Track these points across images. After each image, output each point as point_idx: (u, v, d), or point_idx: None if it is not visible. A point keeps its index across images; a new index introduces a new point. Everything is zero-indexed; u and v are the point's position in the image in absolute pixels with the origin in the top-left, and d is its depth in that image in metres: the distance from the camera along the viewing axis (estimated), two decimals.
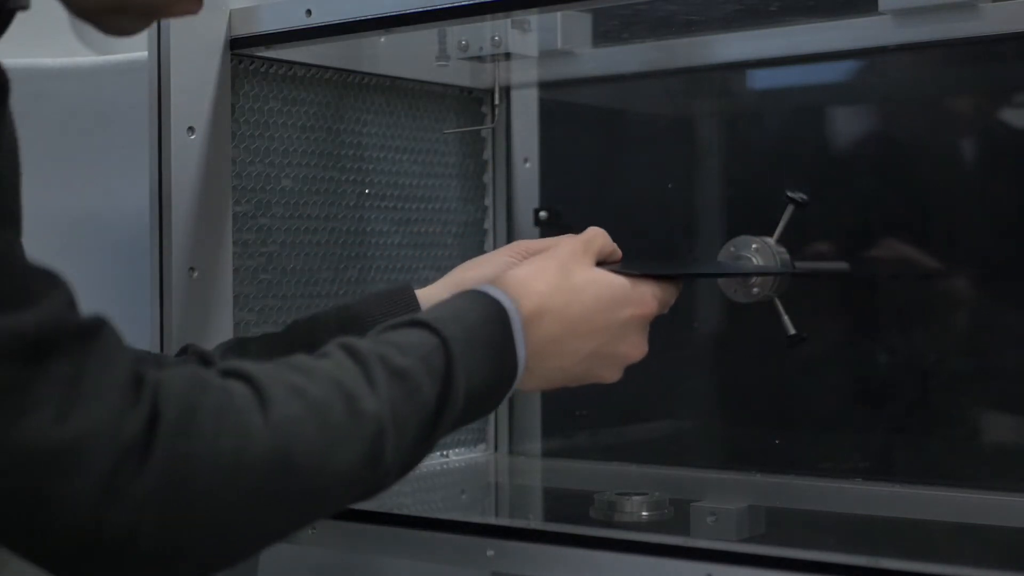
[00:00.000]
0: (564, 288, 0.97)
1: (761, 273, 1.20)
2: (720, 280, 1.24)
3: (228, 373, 0.80)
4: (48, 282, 0.76)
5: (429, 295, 1.10)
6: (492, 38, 1.40)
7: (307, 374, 0.82)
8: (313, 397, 0.80)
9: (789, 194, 1.23)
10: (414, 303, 1.09)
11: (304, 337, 1.06)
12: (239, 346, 1.09)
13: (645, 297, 1.01)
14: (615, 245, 1.06)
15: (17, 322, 0.72)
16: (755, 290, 1.21)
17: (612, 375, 1.01)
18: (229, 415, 0.76)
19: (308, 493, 0.80)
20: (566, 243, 1.02)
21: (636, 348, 1.01)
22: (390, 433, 0.83)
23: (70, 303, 0.76)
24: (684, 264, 1.19)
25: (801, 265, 1.28)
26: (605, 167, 1.57)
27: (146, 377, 0.75)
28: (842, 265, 1.34)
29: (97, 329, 0.76)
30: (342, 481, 0.81)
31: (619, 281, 1.00)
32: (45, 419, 0.71)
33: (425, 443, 0.87)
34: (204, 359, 1.04)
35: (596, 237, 1.04)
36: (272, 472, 0.77)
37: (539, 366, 0.95)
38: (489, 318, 0.92)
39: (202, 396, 0.76)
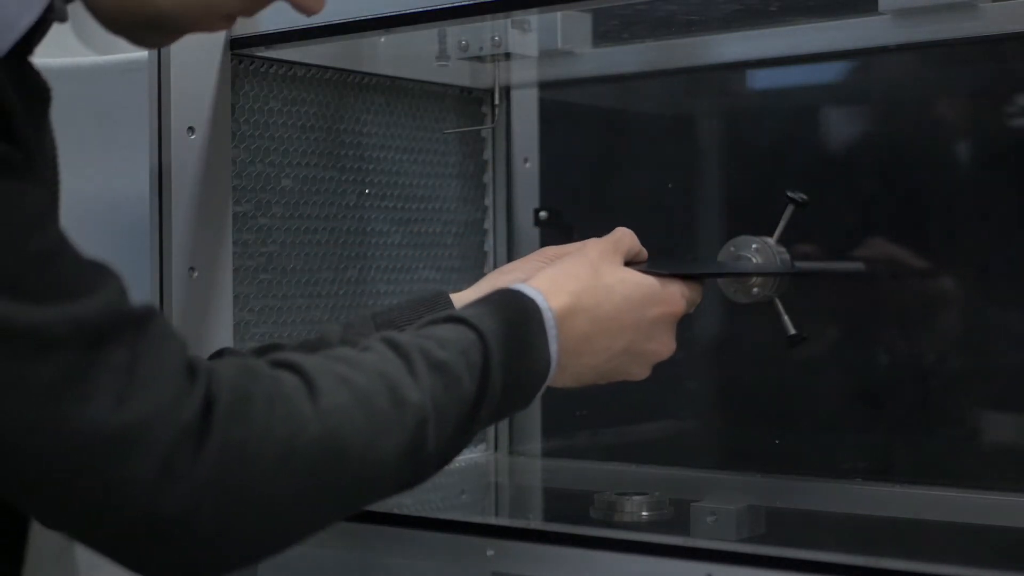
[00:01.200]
0: (595, 287, 0.99)
1: (786, 272, 1.21)
2: (720, 280, 1.24)
3: (277, 363, 0.83)
4: (103, 273, 0.78)
5: (463, 300, 1.10)
6: (492, 38, 1.40)
7: (353, 365, 0.84)
8: (359, 386, 0.83)
9: (789, 194, 1.23)
10: (450, 308, 1.09)
11: (338, 346, 1.07)
12: (272, 347, 1.10)
13: (674, 296, 1.04)
14: (641, 246, 1.08)
15: (79, 311, 0.74)
16: (755, 290, 1.21)
17: (642, 372, 1.04)
18: (281, 402, 0.79)
19: (356, 479, 0.82)
20: (595, 244, 1.05)
21: (665, 346, 1.04)
22: (432, 423, 0.85)
23: (123, 292, 0.78)
24: (709, 265, 1.20)
25: (812, 265, 1.28)
26: (605, 167, 1.57)
27: (199, 365, 0.78)
28: (857, 265, 1.35)
29: (150, 317, 0.78)
30: (388, 468, 0.84)
31: (648, 280, 1.03)
32: (105, 405, 0.73)
33: (464, 435, 0.90)
34: (235, 357, 1.04)
35: (624, 237, 1.07)
36: (323, 458, 0.79)
37: (571, 363, 0.98)
38: (524, 315, 0.95)
39: (254, 384, 0.79)
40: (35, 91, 0.84)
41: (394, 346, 0.88)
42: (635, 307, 1.01)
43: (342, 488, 0.82)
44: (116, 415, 0.73)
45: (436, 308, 1.09)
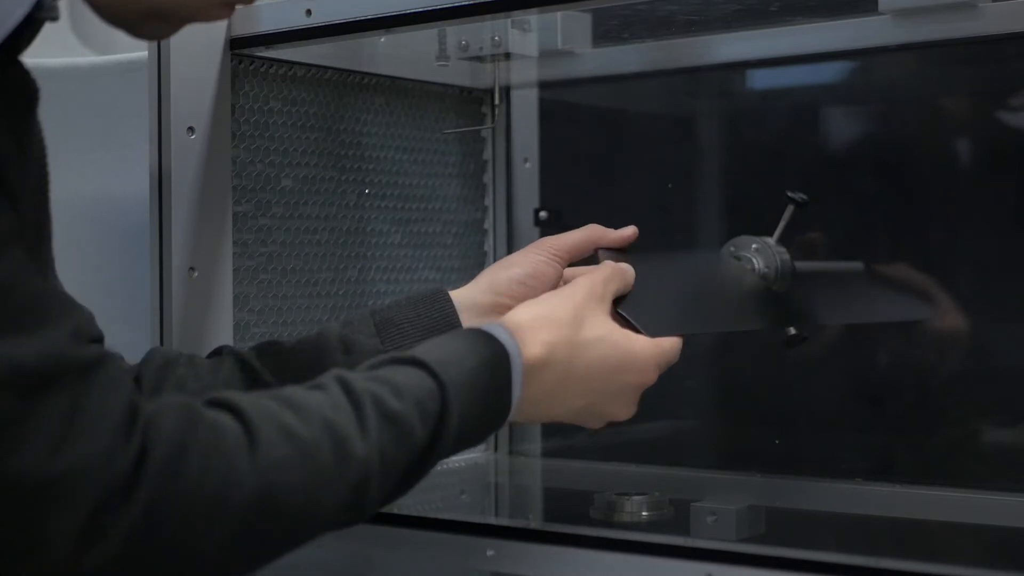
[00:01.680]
0: (572, 341, 0.96)
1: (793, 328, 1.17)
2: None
3: (221, 405, 0.80)
4: (60, 311, 0.76)
5: (462, 297, 1.09)
6: (492, 38, 1.40)
7: (300, 412, 0.82)
8: (302, 439, 0.80)
9: (789, 194, 1.23)
10: (449, 306, 1.08)
11: (336, 344, 1.06)
12: (273, 351, 1.08)
13: (648, 366, 1.00)
14: (631, 279, 1.06)
15: (17, 352, 0.72)
16: None
17: (594, 425, 1.02)
18: (217, 456, 0.77)
19: (288, 533, 0.81)
20: (583, 283, 1.01)
21: (625, 410, 1.01)
22: (376, 477, 0.83)
23: (76, 333, 0.76)
24: (693, 318, 1.15)
25: (812, 265, 1.28)
26: (605, 167, 1.57)
27: (140, 412, 0.75)
28: (857, 265, 1.34)
29: (98, 363, 0.75)
30: (324, 520, 0.82)
31: (627, 344, 0.99)
32: (37, 454, 0.71)
33: (410, 481, 0.88)
34: (242, 363, 1.05)
35: (614, 275, 1.04)
36: (255, 515, 0.78)
37: (528, 409, 0.95)
38: (491, 363, 0.92)
39: (192, 434, 0.77)
40: (20, 91, 0.82)
41: (348, 390, 0.85)
42: (607, 371, 0.98)
43: (273, 541, 0.80)
44: (47, 465, 0.71)
45: (435, 306, 1.08)
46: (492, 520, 1.27)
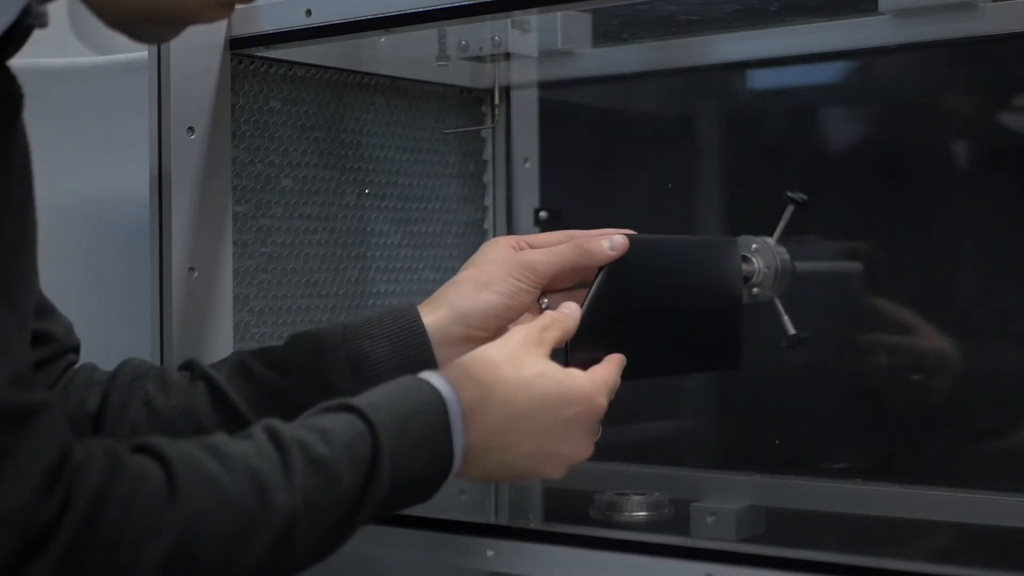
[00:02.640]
0: (510, 380, 0.93)
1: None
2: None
3: (147, 451, 0.80)
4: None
5: (433, 328, 1.04)
6: (492, 38, 1.40)
7: (224, 460, 0.81)
8: (225, 487, 0.80)
9: (789, 194, 1.23)
10: (417, 320, 1.04)
11: (307, 359, 1.04)
12: (242, 368, 1.06)
13: (594, 396, 0.96)
14: (573, 325, 1.00)
15: None
16: (755, 290, 1.21)
17: (555, 473, 0.97)
18: (137, 506, 0.76)
19: None
20: (520, 330, 0.98)
21: (582, 449, 0.97)
22: (302, 525, 0.82)
23: (13, 379, 0.75)
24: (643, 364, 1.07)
25: (812, 265, 1.28)
26: (605, 167, 1.57)
27: (70, 461, 0.75)
28: (857, 265, 1.34)
29: (32, 412, 0.75)
30: (247, 570, 0.81)
31: (569, 379, 0.95)
32: None
33: (344, 530, 0.86)
34: (214, 390, 1.03)
35: (554, 324, 0.99)
36: (173, 564, 0.77)
37: (479, 458, 0.92)
38: (426, 406, 0.89)
39: (115, 483, 0.76)
40: (4, 97, 0.82)
41: (274, 438, 0.83)
42: (551, 406, 0.94)
43: None
44: None
45: (402, 320, 1.03)
46: (492, 520, 1.27)
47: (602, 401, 0.97)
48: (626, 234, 1.04)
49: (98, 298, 1.39)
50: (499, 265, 1.05)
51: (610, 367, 1.00)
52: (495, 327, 1.03)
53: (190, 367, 1.07)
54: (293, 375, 1.04)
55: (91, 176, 1.43)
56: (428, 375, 0.92)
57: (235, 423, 1.00)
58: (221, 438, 0.84)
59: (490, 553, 1.06)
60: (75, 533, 0.74)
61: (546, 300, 1.06)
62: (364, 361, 1.02)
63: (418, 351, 1.03)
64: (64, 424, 0.78)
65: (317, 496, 0.83)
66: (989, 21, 1.24)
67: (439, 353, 1.03)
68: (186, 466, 0.79)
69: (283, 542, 0.81)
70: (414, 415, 0.89)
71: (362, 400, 0.88)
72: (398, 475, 0.87)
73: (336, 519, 0.84)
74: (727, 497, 1.16)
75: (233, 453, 0.82)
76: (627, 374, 1.01)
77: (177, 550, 0.77)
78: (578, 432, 0.96)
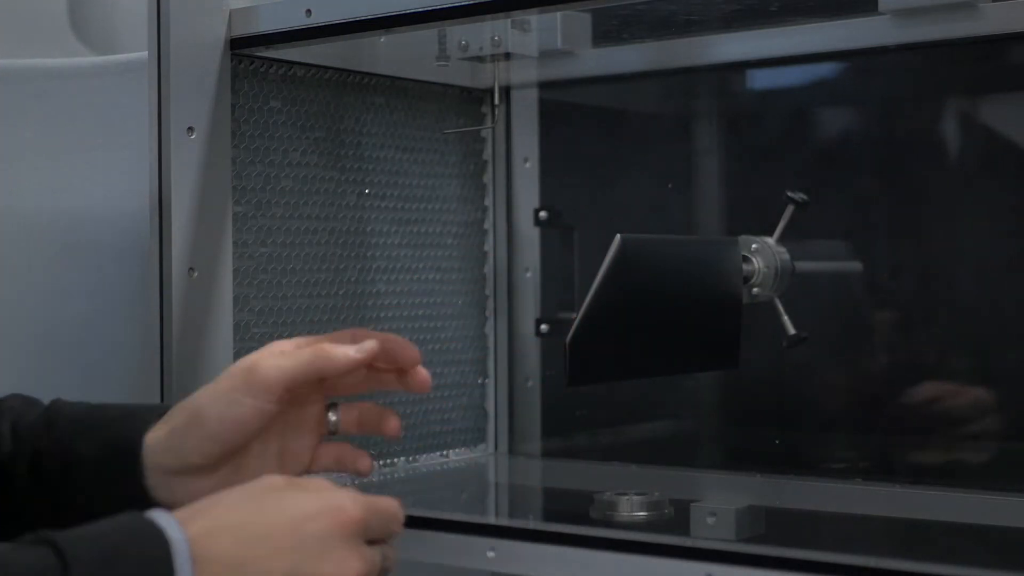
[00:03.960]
0: (240, 504, 0.85)
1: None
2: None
3: None
4: None
5: (147, 456, 0.98)
6: (492, 38, 1.40)
7: None
8: None
9: (789, 194, 1.23)
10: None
11: (42, 439, 1.01)
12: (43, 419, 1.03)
13: (342, 505, 0.87)
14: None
15: None
16: (755, 290, 1.21)
17: None
18: None
19: None
20: (266, 477, 0.90)
21: (342, 566, 0.85)
22: None
23: None
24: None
25: (812, 265, 1.28)
26: (605, 167, 1.57)
27: None
28: (856, 265, 1.34)
29: None
30: None
31: (312, 491, 0.88)
32: None
33: None
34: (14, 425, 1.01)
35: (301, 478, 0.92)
36: None
37: None
38: (139, 537, 0.81)
39: None
40: None
41: None
42: (292, 523, 0.84)
43: None
44: None
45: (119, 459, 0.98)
46: (492, 520, 1.26)
47: (355, 513, 0.87)
48: (624, 236, 1.03)
49: (98, 298, 1.39)
50: (225, 380, 0.98)
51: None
52: (215, 453, 0.97)
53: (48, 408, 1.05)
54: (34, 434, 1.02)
55: (91, 176, 1.43)
56: (152, 513, 0.83)
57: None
58: None
59: (490, 553, 1.06)
60: None
61: (333, 416, 1.02)
62: (81, 427, 1.00)
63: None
64: None
65: None
66: (989, 21, 1.24)
67: (154, 484, 0.98)
68: None
69: None
70: (125, 546, 0.80)
71: (63, 533, 0.79)
72: None
73: None
74: (727, 497, 1.15)
75: None
76: (627, 374, 1.01)
77: None
78: (333, 548, 0.85)
